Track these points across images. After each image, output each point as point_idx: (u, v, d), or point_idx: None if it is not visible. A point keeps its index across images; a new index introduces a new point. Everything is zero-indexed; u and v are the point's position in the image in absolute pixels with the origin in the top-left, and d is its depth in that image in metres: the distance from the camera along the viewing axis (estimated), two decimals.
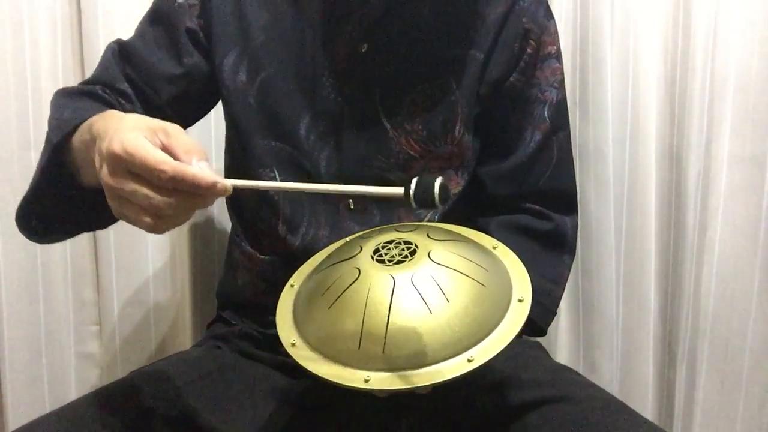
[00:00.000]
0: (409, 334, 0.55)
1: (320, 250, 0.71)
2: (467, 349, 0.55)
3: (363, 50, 0.77)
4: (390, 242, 0.61)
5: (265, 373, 0.77)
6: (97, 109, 0.64)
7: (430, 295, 0.56)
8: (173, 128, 0.54)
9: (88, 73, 1.04)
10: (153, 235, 0.61)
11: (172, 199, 0.51)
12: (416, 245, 0.60)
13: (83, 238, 1.10)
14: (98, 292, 1.11)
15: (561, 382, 0.70)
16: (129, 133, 0.52)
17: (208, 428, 0.69)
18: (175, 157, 0.52)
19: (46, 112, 1.03)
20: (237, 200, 0.87)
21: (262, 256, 0.82)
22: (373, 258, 0.59)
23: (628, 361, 1.08)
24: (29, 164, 1.05)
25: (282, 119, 0.79)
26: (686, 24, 1.00)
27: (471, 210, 0.85)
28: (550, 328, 0.82)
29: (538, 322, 0.79)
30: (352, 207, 0.79)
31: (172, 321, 1.11)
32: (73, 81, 1.07)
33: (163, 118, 0.60)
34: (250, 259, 0.83)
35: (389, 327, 0.55)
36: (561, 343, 1.12)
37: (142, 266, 1.07)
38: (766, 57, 1.00)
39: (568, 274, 0.84)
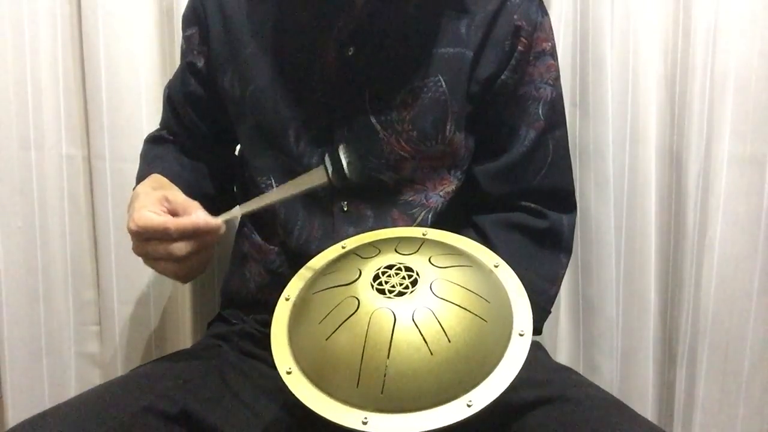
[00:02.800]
0: (408, 376, 0.54)
1: (313, 251, 0.71)
2: (467, 391, 0.55)
3: (350, 53, 0.78)
4: (390, 267, 0.60)
5: (266, 372, 0.77)
6: (157, 160, 0.87)
7: (431, 334, 0.55)
8: (172, 194, 0.71)
9: (88, 73, 1.05)
10: None
11: (182, 244, 0.67)
12: (417, 273, 0.59)
13: (83, 238, 1.10)
14: (98, 292, 1.11)
15: (561, 382, 0.70)
16: (138, 212, 0.68)
17: (207, 427, 0.68)
18: (178, 213, 0.69)
19: (46, 112, 1.05)
20: (246, 197, 0.88)
21: (271, 246, 0.83)
22: (372, 287, 0.58)
23: (628, 361, 1.08)
24: (29, 164, 1.05)
25: (272, 128, 0.80)
26: (686, 24, 1.00)
27: (467, 209, 0.85)
28: (550, 328, 0.82)
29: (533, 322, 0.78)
30: (345, 209, 0.79)
31: (172, 320, 1.11)
32: (73, 81, 1.07)
33: (209, 145, 0.91)
34: (260, 250, 0.84)
35: (389, 367, 0.54)
36: (561, 343, 1.12)
37: (142, 266, 1.05)
38: (766, 57, 0.99)
39: (564, 273, 0.84)
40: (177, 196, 0.71)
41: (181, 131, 0.91)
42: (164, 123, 0.94)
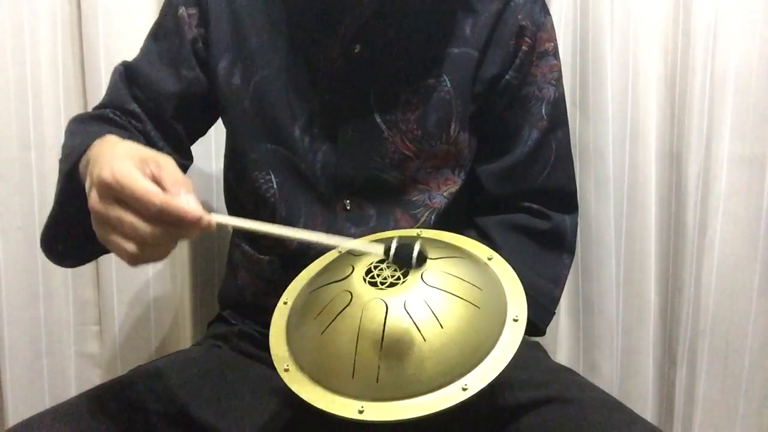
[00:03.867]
0: (403, 363, 0.55)
1: (313, 252, 0.71)
2: (462, 375, 0.55)
3: (356, 51, 0.78)
4: (382, 261, 0.60)
5: (265, 372, 0.77)
6: (105, 133, 0.66)
7: (423, 321, 0.55)
8: (164, 160, 0.55)
9: (88, 73, 1.05)
10: None
11: (157, 229, 0.52)
12: None
13: None
14: (98, 292, 1.11)
15: (560, 383, 0.70)
16: (120, 161, 0.53)
17: (206, 427, 0.69)
18: (164, 189, 0.53)
19: (46, 112, 1.05)
20: (236, 202, 0.87)
21: (262, 256, 0.82)
22: (365, 280, 0.59)
23: (628, 361, 1.08)
24: (29, 164, 1.05)
25: (277, 122, 0.79)
26: (686, 24, 1.00)
27: (469, 209, 0.85)
28: (550, 328, 0.82)
29: (536, 323, 0.78)
30: (348, 208, 0.79)
31: (172, 321, 1.11)
32: (73, 81, 1.07)
33: (173, 133, 0.80)
34: (250, 260, 0.83)
35: (383, 356, 0.55)
36: (561, 343, 1.12)
37: (142, 266, 1.07)
38: (766, 57, 0.99)
39: (567, 274, 0.84)
40: (169, 166, 0.55)
41: (139, 111, 0.79)
42: (113, 101, 0.80)
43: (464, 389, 0.54)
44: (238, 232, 0.87)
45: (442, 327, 0.55)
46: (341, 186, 0.79)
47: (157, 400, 0.68)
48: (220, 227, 0.55)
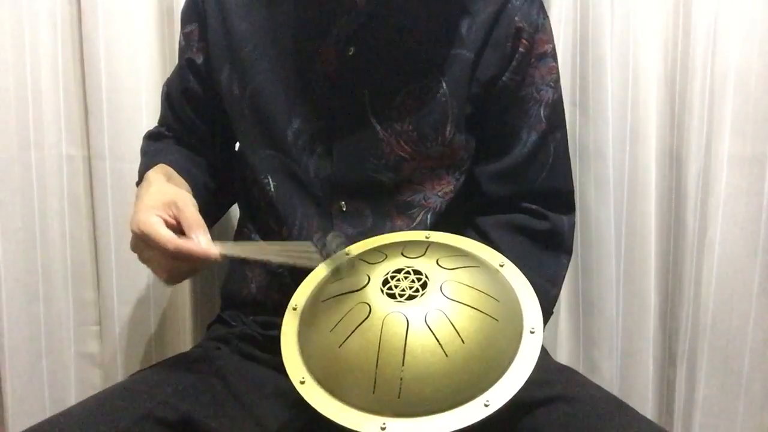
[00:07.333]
0: (425, 379, 0.54)
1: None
2: (483, 391, 0.55)
3: (350, 53, 0.78)
4: (398, 271, 0.60)
5: (266, 374, 0.77)
6: (162, 151, 0.86)
7: (444, 335, 0.55)
8: (182, 202, 0.69)
9: (88, 74, 1.05)
10: None
11: (177, 262, 0.67)
12: (427, 276, 0.59)
13: (83, 238, 1.10)
14: (98, 292, 1.11)
15: (561, 382, 0.70)
16: (144, 214, 0.67)
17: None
18: (182, 228, 0.68)
19: (46, 112, 1.06)
20: (246, 196, 0.88)
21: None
22: (382, 292, 0.58)
23: (628, 360, 1.08)
24: (29, 164, 1.05)
25: (271, 127, 0.80)
26: (686, 24, 1.00)
27: (468, 210, 0.85)
28: (550, 327, 0.82)
29: None
30: (344, 209, 0.79)
31: (172, 321, 1.11)
32: (73, 81, 1.07)
33: (211, 141, 0.90)
34: None
35: (404, 372, 0.54)
36: (561, 343, 1.12)
37: (142, 267, 1.06)
38: (766, 57, 0.99)
39: (565, 274, 0.84)
40: (187, 208, 0.69)
41: (179, 128, 0.90)
42: (162, 120, 0.92)
43: (486, 405, 0.54)
44: (247, 222, 0.88)
45: (463, 342, 0.55)
46: (336, 188, 0.80)
47: (158, 405, 0.67)
48: (225, 257, 0.68)
